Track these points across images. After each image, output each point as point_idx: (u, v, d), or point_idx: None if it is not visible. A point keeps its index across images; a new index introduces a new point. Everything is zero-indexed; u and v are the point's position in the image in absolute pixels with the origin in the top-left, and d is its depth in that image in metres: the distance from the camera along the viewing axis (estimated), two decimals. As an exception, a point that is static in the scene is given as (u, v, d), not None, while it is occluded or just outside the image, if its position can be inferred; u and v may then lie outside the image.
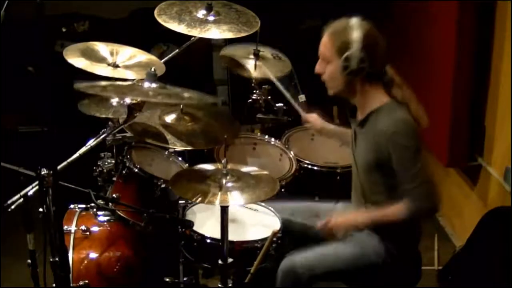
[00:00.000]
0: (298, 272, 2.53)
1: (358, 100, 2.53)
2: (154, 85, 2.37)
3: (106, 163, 3.01)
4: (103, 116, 2.76)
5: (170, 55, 3.13)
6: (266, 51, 3.34)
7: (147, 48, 2.89)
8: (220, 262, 2.47)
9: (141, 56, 2.79)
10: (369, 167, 2.51)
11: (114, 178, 2.95)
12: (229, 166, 2.41)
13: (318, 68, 2.53)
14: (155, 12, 2.88)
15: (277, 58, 3.34)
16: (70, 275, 2.31)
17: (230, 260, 2.47)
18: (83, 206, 2.88)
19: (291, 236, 2.77)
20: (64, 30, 4.95)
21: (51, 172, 2.07)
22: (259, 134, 3.45)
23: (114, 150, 2.95)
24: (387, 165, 2.44)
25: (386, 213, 2.47)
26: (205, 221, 2.77)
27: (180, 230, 2.73)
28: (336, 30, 2.47)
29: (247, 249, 2.64)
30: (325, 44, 2.49)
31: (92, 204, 2.76)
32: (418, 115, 2.47)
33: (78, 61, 2.62)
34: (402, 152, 2.40)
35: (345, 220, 2.54)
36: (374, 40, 2.45)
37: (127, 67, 2.70)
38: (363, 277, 2.59)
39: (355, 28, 2.42)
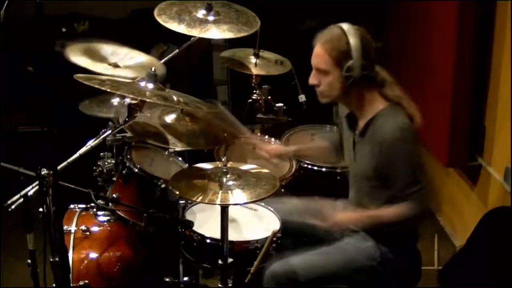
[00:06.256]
0: (281, 281, 2.50)
1: (355, 107, 2.51)
2: (152, 85, 2.38)
3: (106, 163, 3.01)
4: (105, 116, 2.76)
5: (170, 55, 3.14)
6: (269, 55, 3.34)
7: (147, 48, 2.90)
8: (220, 262, 2.47)
9: (142, 57, 2.79)
10: (369, 176, 2.49)
11: (114, 178, 2.95)
12: (229, 164, 2.41)
13: (312, 79, 2.46)
14: (155, 12, 2.88)
15: (278, 63, 3.34)
16: (70, 275, 2.31)
17: (230, 260, 2.47)
18: (83, 206, 2.88)
19: (291, 236, 2.77)
20: (64, 30, 4.96)
21: (51, 172, 2.07)
22: (259, 134, 3.45)
23: (114, 150, 2.95)
24: (387, 174, 2.43)
25: (386, 213, 2.45)
26: (205, 221, 2.77)
27: (180, 230, 2.73)
28: (330, 39, 2.39)
29: (247, 249, 2.64)
30: (321, 56, 2.40)
31: (92, 204, 2.76)
32: (412, 113, 2.45)
33: (80, 60, 2.62)
34: (402, 159, 2.38)
35: (343, 217, 2.50)
36: (369, 44, 2.39)
37: (127, 67, 2.71)
38: (360, 281, 2.58)
39: (350, 35, 2.35)
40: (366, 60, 2.36)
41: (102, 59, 2.69)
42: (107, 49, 2.75)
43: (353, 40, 2.35)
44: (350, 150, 2.60)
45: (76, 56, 2.63)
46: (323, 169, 3.17)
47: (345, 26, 2.40)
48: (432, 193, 2.42)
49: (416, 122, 2.44)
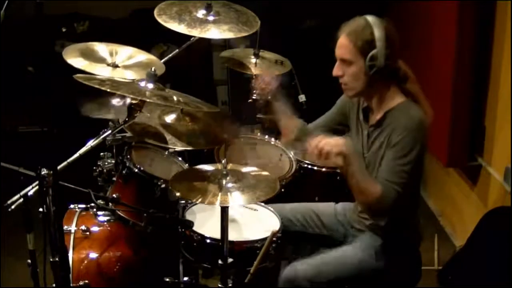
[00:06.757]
0: (300, 282, 2.51)
1: (375, 101, 2.51)
2: (152, 85, 2.38)
3: (106, 163, 3.00)
4: (105, 117, 2.76)
5: (170, 55, 3.14)
6: (269, 55, 3.34)
7: (147, 48, 2.89)
8: (220, 262, 2.47)
9: (141, 56, 2.79)
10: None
11: (114, 178, 2.95)
12: (229, 167, 2.41)
13: (336, 70, 2.47)
14: (155, 12, 2.88)
15: (278, 63, 3.34)
16: (70, 275, 2.31)
17: (230, 260, 2.47)
18: (83, 206, 2.88)
19: (291, 237, 2.77)
20: (64, 30, 4.96)
21: (51, 172, 2.07)
22: (259, 134, 3.45)
23: (114, 150, 2.95)
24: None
25: (368, 182, 2.40)
26: (205, 221, 2.77)
27: (180, 230, 2.73)
28: (355, 30, 2.41)
29: (247, 249, 2.64)
30: (345, 46, 2.42)
31: (92, 204, 2.75)
32: (427, 112, 2.46)
33: (77, 61, 2.62)
34: (405, 146, 2.37)
35: (349, 150, 2.34)
36: (393, 35, 2.42)
37: (126, 67, 2.71)
38: (366, 281, 2.58)
39: (375, 26, 2.38)
40: (390, 51, 2.38)
41: (100, 60, 2.69)
42: (104, 49, 2.75)
43: (377, 31, 2.37)
44: (360, 144, 2.59)
45: (73, 58, 2.63)
46: (323, 169, 3.17)
47: (370, 17, 2.43)
48: (400, 201, 2.37)
49: (429, 119, 2.45)
